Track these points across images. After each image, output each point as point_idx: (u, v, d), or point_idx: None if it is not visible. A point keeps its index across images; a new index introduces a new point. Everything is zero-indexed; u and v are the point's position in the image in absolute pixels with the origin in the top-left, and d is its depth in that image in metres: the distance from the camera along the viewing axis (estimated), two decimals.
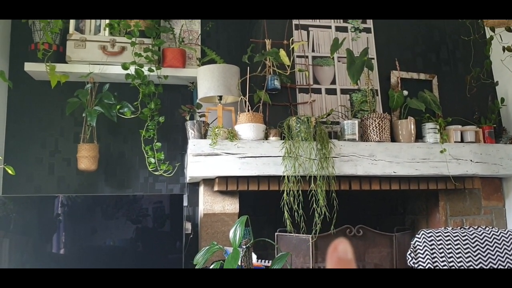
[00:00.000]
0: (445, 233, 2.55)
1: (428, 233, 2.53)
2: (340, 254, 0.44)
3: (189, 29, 3.07)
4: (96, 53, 2.82)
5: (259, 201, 2.84)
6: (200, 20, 3.11)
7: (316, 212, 2.35)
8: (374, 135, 2.61)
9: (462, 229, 2.61)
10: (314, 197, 2.37)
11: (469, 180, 2.76)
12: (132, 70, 2.77)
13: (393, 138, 2.71)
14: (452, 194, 2.88)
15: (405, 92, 2.86)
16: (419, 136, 2.77)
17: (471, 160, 2.67)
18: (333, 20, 3.01)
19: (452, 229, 2.60)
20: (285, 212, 2.35)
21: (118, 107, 2.76)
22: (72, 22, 2.85)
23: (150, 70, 2.78)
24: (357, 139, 2.59)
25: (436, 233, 2.54)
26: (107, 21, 2.87)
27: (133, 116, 2.79)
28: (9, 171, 2.02)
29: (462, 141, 2.80)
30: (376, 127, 2.61)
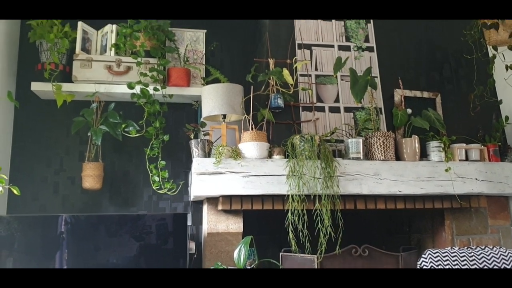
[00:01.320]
0: (452, 253, 2.52)
1: (435, 253, 2.50)
2: None
3: (194, 48, 3.10)
4: (102, 73, 2.85)
5: (263, 221, 2.82)
6: (204, 40, 3.14)
7: (321, 232, 2.33)
8: (379, 153, 2.60)
9: (469, 249, 2.59)
10: (319, 217, 2.36)
11: (475, 199, 2.75)
12: (137, 89, 2.79)
13: (398, 157, 2.70)
14: (458, 213, 2.86)
15: (409, 111, 2.86)
16: (423, 155, 2.76)
17: (476, 179, 2.66)
18: (336, 39, 3.04)
19: (459, 249, 2.57)
20: (290, 232, 2.33)
21: (123, 126, 2.77)
22: (78, 43, 2.88)
23: (155, 89, 2.81)
24: (361, 158, 2.58)
25: (443, 253, 2.51)
26: (113, 41, 2.91)
27: (138, 134, 2.80)
28: (15, 191, 2.02)
29: (467, 159, 2.79)
30: (381, 145, 2.61)
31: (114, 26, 2.94)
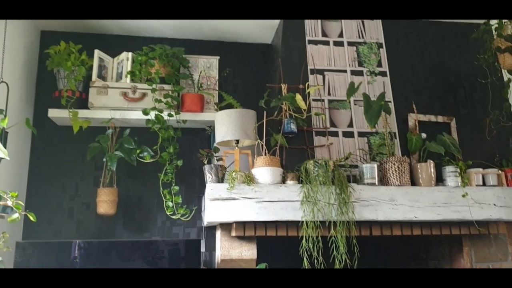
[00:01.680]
0: None
1: None
2: None
3: (207, 74, 3.14)
4: (118, 99, 2.90)
5: (278, 247, 2.80)
6: (217, 66, 3.19)
7: (336, 259, 2.29)
8: (394, 179, 2.58)
9: None
10: (334, 244, 2.33)
11: (494, 225, 2.69)
12: (152, 115, 2.83)
13: (413, 182, 2.67)
14: (476, 240, 2.79)
15: (424, 135, 2.84)
16: (439, 180, 2.73)
17: (494, 204, 2.61)
18: (348, 64, 3.05)
19: None
20: (305, 259, 2.30)
21: (138, 151, 2.80)
22: (94, 70, 2.94)
23: (169, 115, 2.84)
24: (376, 183, 2.55)
25: None
26: (129, 68, 2.96)
27: (152, 160, 2.82)
28: (31, 218, 2.04)
29: (484, 184, 2.74)
30: (396, 170, 2.58)
31: (130, 53, 3.00)
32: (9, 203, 2.08)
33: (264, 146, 2.58)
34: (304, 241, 2.33)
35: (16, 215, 2.05)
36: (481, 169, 2.77)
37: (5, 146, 2.28)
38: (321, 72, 3.00)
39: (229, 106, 2.94)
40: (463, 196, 2.57)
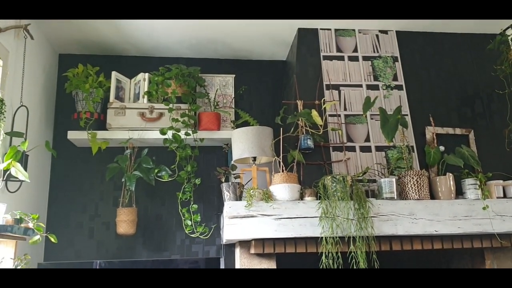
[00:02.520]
0: None
1: None
2: None
3: (223, 93, 3.17)
4: (135, 120, 2.94)
5: (297, 264, 2.78)
6: (233, 84, 3.22)
7: None
8: (413, 192, 2.55)
9: None
10: (354, 259, 2.31)
11: None
12: (169, 134, 2.86)
13: (432, 195, 2.64)
14: (499, 252, 2.74)
15: (442, 148, 2.81)
16: (459, 193, 2.69)
17: None
18: (364, 79, 3.05)
19: None
20: None
21: (156, 171, 2.83)
22: (112, 91, 2.99)
23: (186, 134, 2.87)
24: (395, 198, 2.54)
25: None
26: (146, 88, 3.01)
27: (170, 179, 2.85)
28: (52, 239, 2.07)
29: (505, 196, 2.70)
30: (415, 184, 2.56)
31: (147, 74, 3.05)
32: (30, 225, 2.11)
33: (281, 163, 2.59)
34: (323, 257, 2.31)
35: (37, 237, 2.08)
36: (501, 181, 2.73)
37: (25, 169, 2.33)
38: (336, 87, 3.01)
39: (246, 124, 2.97)
40: (484, 208, 2.53)
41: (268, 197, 2.44)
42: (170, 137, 2.87)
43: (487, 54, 3.12)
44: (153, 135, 2.92)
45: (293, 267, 2.75)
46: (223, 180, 2.63)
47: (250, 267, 2.50)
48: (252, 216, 2.39)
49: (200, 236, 2.95)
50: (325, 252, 2.32)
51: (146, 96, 3.00)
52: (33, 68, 2.80)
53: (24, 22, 2.54)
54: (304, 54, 3.07)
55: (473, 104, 3.14)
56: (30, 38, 2.58)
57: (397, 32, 3.22)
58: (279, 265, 2.54)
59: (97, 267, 2.49)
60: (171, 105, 2.89)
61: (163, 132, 2.84)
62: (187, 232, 2.93)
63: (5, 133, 2.34)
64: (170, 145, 2.87)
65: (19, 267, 2.09)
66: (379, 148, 2.88)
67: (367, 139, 2.90)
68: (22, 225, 2.10)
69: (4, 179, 2.29)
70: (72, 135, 2.88)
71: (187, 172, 2.89)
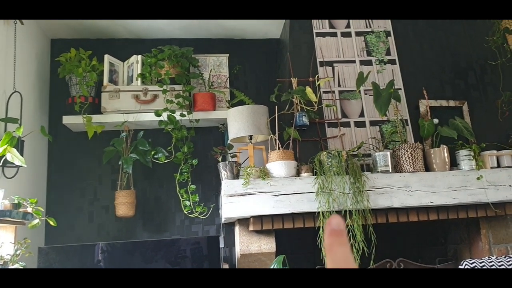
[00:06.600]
0: (489, 262, 2.47)
1: (472, 263, 2.45)
2: (333, 226, 0.46)
3: (218, 73, 3.17)
4: (130, 102, 2.94)
5: (296, 239, 2.82)
6: (227, 63, 3.22)
7: (353, 248, 2.32)
8: (408, 165, 2.58)
9: (507, 257, 2.52)
10: (350, 232, 2.35)
11: (510, 206, 2.68)
12: (164, 116, 2.86)
13: (427, 167, 2.67)
14: (493, 221, 2.79)
15: (436, 121, 2.83)
16: (453, 164, 2.73)
17: (510, 185, 2.60)
18: (357, 54, 3.06)
19: (497, 258, 2.51)
20: (322, 249, 2.33)
21: (152, 153, 2.84)
22: (106, 75, 2.98)
23: (182, 115, 2.87)
24: (390, 171, 2.57)
25: (480, 263, 2.45)
26: (139, 71, 3.00)
27: (167, 160, 2.86)
28: (51, 223, 2.09)
29: (498, 166, 2.73)
30: (409, 157, 2.59)
31: (140, 56, 3.04)
32: (29, 209, 2.14)
33: (277, 141, 2.61)
34: (321, 231, 2.35)
35: (36, 221, 2.11)
36: (495, 151, 2.76)
37: (21, 154, 2.33)
38: (330, 64, 3.01)
39: (241, 103, 2.97)
40: (478, 178, 2.57)
41: (265, 174, 2.47)
42: (165, 118, 2.88)
43: (479, 25, 3.12)
44: (148, 117, 2.92)
45: (291, 243, 2.80)
46: (220, 160, 2.65)
47: (249, 244, 2.54)
48: (250, 194, 2.42)
49: (199, 216, 2.98)
50: (322, 226, 2.36)
51: (139, 79, 2.99)
52: (25, 54, 2.78)
53: None
54: (297, 31, 3.07)
55: (466, 76, 3.15)
56: (20, 23, 2.56)
57: None
58: (278, 241, 2.58)
59: (99, 250, 2.52)
60: (165, 87, 2.89)
61: (158, 113, 2.85)
62: (186, 212, 2.96)
63: None
64: (165, 126, 2.88)
65: (19, 252, 2.11)
66: (373, 123, 2.89)
67: (362, 114, 2.91)
68: (21, 210, 2.12)
69: (1, 165, 2.29)
70: (67, 119, 2.88)
71: (183, 153, 2.91)
